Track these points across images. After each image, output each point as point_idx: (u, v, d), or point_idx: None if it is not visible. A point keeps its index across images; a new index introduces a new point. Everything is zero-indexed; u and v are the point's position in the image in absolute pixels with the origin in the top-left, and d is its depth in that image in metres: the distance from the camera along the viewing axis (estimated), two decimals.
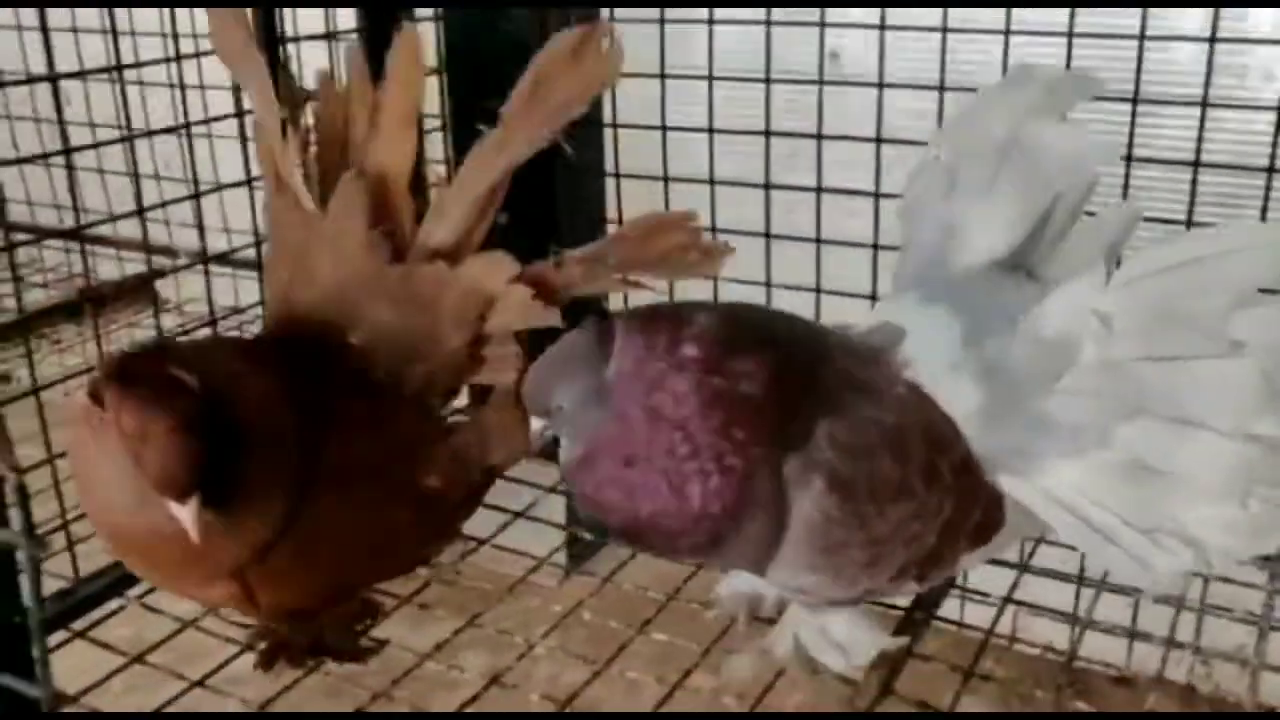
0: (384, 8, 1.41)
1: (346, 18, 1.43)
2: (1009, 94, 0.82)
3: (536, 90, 0.87)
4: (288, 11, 1.26)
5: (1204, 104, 1.05)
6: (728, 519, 0.71)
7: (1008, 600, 0.99)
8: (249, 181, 1.19)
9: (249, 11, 0.92)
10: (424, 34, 0.90)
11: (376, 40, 1.44)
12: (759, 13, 1.21)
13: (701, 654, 0.91)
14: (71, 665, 0.92)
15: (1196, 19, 1.09)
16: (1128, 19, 1.08)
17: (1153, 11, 1.08)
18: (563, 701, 0.87)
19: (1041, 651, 1.10)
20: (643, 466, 0.70)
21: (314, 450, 0.79)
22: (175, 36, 1.16)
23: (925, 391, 0.75)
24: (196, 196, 1.18)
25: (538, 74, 0.87)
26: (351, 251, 0.88)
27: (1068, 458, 0.74)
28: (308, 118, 0.93)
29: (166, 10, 1.19)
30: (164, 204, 1.21)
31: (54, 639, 0.94)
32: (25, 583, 0.85)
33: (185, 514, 0.69)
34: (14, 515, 0.82)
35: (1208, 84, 1.05)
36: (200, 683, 0.88)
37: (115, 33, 1.12)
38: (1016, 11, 1.11)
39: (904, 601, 0.93)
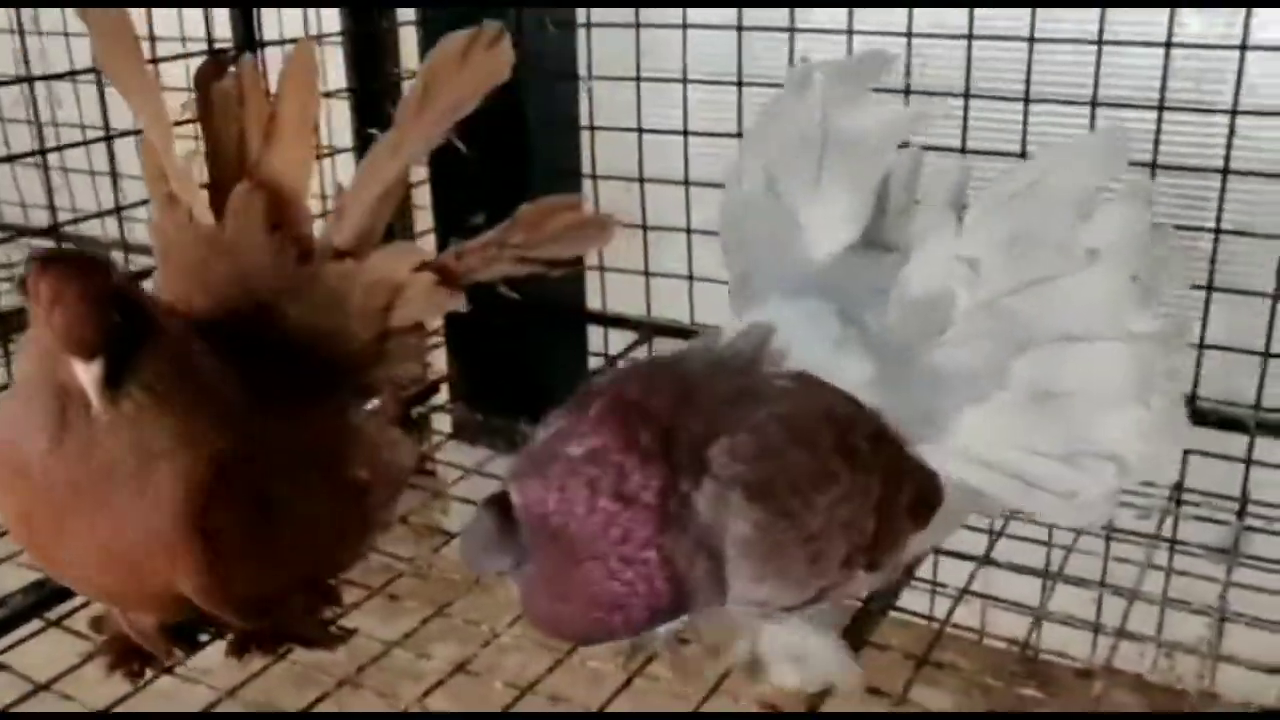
0: (366, 9, 1.44)
1: (331, 19, 1.45)
2: (802, 95, 0.82)
3: (427, 92, 0.90)
4: (271, 13, 1.29)
5: (1160, 107, 1.08)
6: (675, 598, 0.71)
7: (964, 592, 1.01)
8: None
9: (131, 14, 0.90)
10: (317, 51, 0.94)
11: (360, 42, 1.47)
12: (731, 18, 1.23)
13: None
14: (46, 654, 0.93)
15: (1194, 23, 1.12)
16: (1092, 24, 1.10)
17: (1134, 14, 1.10)
18: (523, 689, 0.89)
19: (1008, 645, 1.11)
20: (575, 601, 0.71)
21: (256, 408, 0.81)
22: (153, 40, 1.18)
23: (812, 376, 0.74)
24: None
25: (427, 76, 0.90)
26: (255, 261, 0.90)
27: (971, 406, 0.74)
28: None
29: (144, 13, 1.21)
30: (145, 203, 1.23)
31: (29, 628, 0.96)
32: None
33: (89, 374, 0.69)
34: None
35: (1164, 88, 1.07)
36: (169, 670, 0.89)
37: None
38: (981, 16, 1.13)
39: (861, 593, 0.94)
